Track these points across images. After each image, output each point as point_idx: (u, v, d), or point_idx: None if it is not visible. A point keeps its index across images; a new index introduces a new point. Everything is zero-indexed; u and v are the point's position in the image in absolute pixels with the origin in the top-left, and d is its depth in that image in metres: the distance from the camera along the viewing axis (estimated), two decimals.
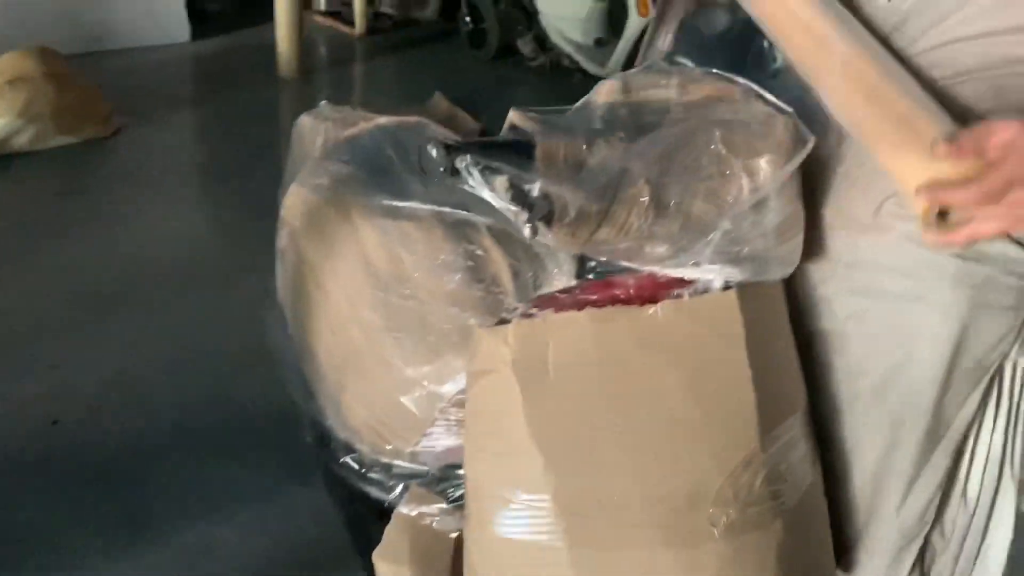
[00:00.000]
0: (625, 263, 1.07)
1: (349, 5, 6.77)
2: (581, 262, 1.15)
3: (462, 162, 0.93)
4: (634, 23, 5.09)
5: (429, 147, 0.95)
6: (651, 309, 1.05)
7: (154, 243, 3.54)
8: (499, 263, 1.46)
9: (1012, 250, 1.04)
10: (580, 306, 1.07)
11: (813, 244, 1.16)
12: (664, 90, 1.14)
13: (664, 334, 1.06)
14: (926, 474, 1.19)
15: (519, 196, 0.96)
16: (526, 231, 0.97)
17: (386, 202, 1.54)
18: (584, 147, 1.00)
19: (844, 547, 1.27)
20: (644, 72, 1.17)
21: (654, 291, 1.07)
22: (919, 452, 1.18)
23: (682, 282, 1.08)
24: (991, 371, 1.15)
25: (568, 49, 5.59)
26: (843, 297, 1.16)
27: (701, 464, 1.06)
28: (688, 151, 1.03)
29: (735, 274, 1.07)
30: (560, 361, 1.05)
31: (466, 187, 0.96)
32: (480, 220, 1.51)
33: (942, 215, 0.93)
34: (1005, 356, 1.13)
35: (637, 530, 1.05)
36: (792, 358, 1.17)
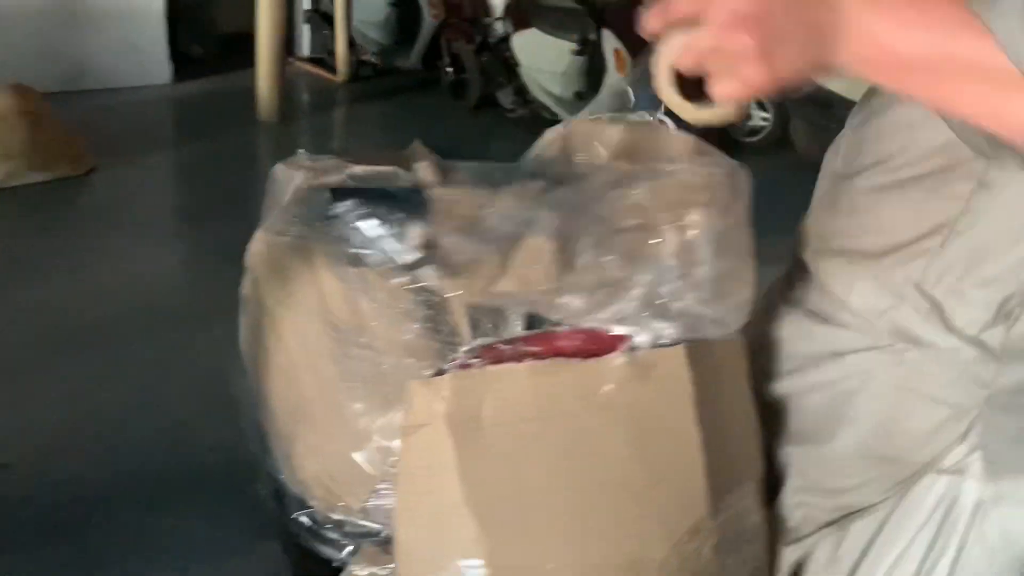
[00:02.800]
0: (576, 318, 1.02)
1: (332, 52, 6.82)
2: (531, 315, 1.10)
3: (341, 207, 0.91)
4: (612, 78, 5.16)
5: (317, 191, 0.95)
6: (594, 363, 0.99)
7: (122, 284, 3.52)
8: (458, 312, 1.44)
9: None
10: (520, 358, 1.01)
11: None
12: (606, 140, 1.09)
13: (607, 391, 1.00)
14: None
15: (401, 244, 0.95)
16: (406, 276, 0.96)
17: (350, 249, 1.52)
18: (487, 198, 0.97)
19: None
20: (594, 121, 1.13)
21: (600, 345, 1.02)
22: None
23: (630, 337, 1.03)
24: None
25: (548, 102, 5.65)
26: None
27: (646, 530, 0.99)
28: (606, 203, 1.00)
29: (668, 331, 1.02)
30: (496, 416, 0.99)
31: (344, 232, 0.94)
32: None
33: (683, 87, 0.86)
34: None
35: None
36: (751, 423, 1.10)
